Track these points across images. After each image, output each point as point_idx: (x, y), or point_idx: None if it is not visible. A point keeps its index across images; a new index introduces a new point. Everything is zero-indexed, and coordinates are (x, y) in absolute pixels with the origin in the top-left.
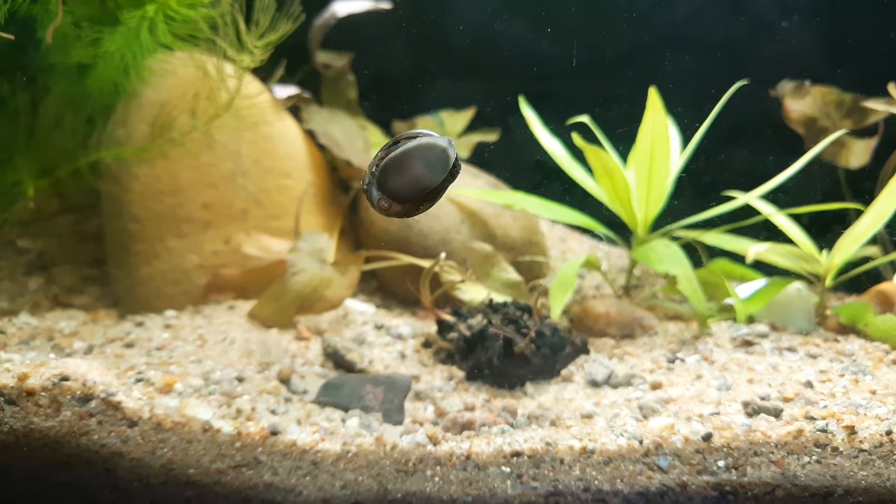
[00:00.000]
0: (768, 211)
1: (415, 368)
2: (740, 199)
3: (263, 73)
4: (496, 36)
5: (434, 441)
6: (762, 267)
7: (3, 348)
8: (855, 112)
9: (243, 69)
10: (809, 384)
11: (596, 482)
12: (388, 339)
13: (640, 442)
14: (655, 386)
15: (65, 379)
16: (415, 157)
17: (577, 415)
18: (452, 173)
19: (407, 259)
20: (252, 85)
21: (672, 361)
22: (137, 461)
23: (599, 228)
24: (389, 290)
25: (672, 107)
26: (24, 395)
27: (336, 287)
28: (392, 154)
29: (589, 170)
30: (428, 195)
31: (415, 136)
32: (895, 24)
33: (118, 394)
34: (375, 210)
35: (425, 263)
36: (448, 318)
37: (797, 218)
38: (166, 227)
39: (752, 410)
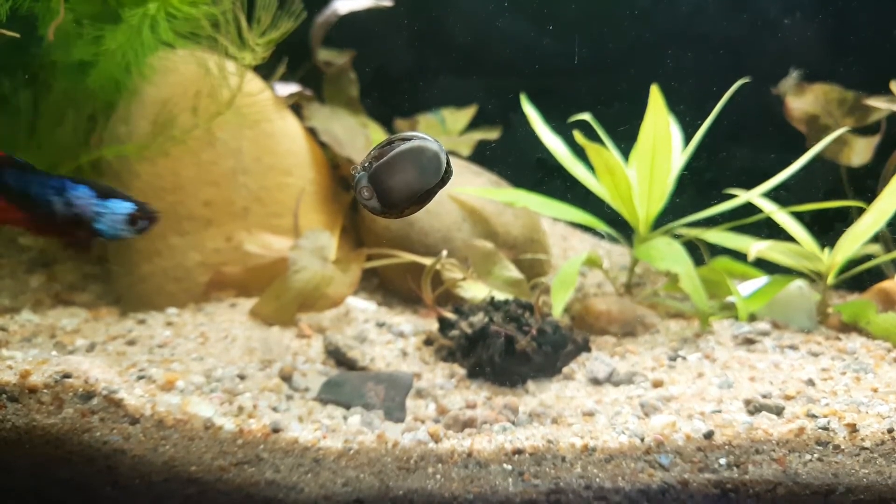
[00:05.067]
0: (770, 209)
1: (416, 366)
2: (742, 196)
3: (265, 70)
4: (497, 33)
5: (435, 438)
6: (764, 265)
7: (5, 346)
8: (857, 110)
9: (245, 67)
10: (811, 382)
11: (597, 480)
12: (389, 337)
13: (642, 439)
14: (657, 384)
15: (67, 376)
16: (407, 160)
17: (578, 412)
18: (444, 179)
19: (408, 257)
20: (254, 82)
21: (673, 359)
22: (139, 458)
23: (601, 226)
24: (391, 287)
25: (674, 104)
26: (27, 392)
27: (337, 285)
28: (385, 157)
29: (590, 167)
30: (417, 199)
31: (408, 139)
32: None
33: (120, 391)
34: (356, 197)
35: (427, 261)
36: (449, 315)
37: (799, 216)
38: (168, 225)
39: (754, 408)
